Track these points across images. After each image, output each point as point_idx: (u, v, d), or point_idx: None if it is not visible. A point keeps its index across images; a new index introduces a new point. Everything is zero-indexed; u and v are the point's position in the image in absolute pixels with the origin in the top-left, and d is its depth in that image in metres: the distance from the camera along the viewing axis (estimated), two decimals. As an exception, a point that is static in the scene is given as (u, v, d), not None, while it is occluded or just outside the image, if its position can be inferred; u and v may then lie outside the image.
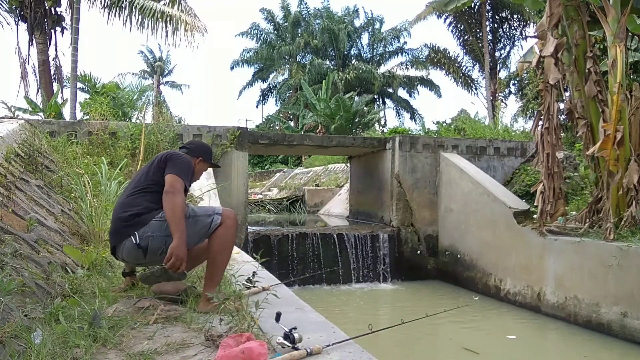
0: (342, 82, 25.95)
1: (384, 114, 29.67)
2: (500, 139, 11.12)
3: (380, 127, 24.33)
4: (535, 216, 7.31)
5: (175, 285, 2.62)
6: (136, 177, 2.81)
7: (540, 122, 6.38)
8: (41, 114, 10.41)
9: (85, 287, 2.85)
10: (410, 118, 29.52)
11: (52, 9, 12.90)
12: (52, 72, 13.23)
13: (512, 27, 22.73)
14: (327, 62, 29.05)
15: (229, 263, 2.91)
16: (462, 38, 23.07)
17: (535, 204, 6.59)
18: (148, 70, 37.72)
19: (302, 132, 20.68)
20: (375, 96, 28.91)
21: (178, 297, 2.58)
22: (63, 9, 13.17)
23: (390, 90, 29.47)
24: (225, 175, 8.15)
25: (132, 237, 2.51)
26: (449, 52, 23.87)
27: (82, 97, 13.06)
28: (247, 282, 2.80)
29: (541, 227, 6.37)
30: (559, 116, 6.53)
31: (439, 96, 30.54)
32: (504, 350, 5.29)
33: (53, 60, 13.39)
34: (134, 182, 2.76)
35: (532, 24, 20.21)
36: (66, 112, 10.83)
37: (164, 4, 11.87)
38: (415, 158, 9.12)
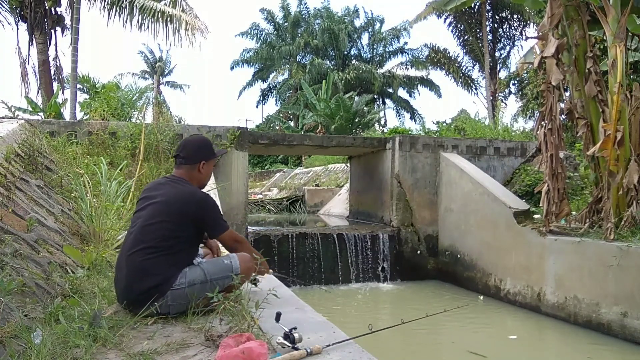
0: (342, 82, 25.95)
1: (384, 114, 29.76)
2: (500, 139, 11.12)
3: (380, 127, 24.35)
4: (535, 216, 7.31)
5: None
6: (150, 219, 2.48)
7: (543, 123, 6.38)
8: (41, 114, 10.41)
9: (85, 287, 2.85)
10: (410, 118, 29.59)
11: (52, 9, 12.91)
12: (52, 72, 13.25)
13: (512, 27, 22.76)
14: (327, 62, 29.06)
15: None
16: (462, 38, 23.09)
17: (539, 204, 6.60)
18: (148, 70, 37.76)
19: (302, 132, 20.68)
20: (375, 96, 28.94)
21: (207, 308, 2.47)
22: (63, 9, 13.20)
23: (390, 90, 29.50)
24: (225, 175, 8.15)
25: (153, 310, 2.37)
26: (449, 52, 23.91)
27: (82, 97, 13.06)
28: (252, 282, 2.79)
29: (546, 227, 6.37)
30: (560, 116, 6.54)
31: (439, 96, 30.59)
32: (508, 352, 5.27)
33: (53, 60, 13.41)
34: (148, 226, 2.46)
35: (532, 24, 20.23)
36: (66, 112, 10.82)
37: (165, 4, 11.87)
38: (415, 158, 9.12)
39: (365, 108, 22.58)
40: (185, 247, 2.53)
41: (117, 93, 10.58)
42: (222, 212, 2.63)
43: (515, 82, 20.36)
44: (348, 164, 12.91)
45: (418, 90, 29.90)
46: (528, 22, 21.17)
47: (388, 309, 7.42)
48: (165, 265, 2.42)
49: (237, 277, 2.49)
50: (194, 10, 12.23)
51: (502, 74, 23.42)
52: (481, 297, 7.34)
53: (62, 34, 13.32)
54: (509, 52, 23.32)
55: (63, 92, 12.85)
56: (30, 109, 10.55)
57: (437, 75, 62.34)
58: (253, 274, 2.74)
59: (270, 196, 19.28)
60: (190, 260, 2.55)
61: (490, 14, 22.24)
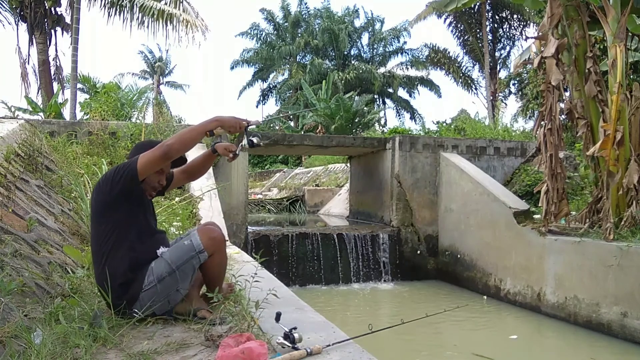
0: (342, 82, 25.96)
1: (384, 114, 29.73)
2: (500, 139, 11.12)
3: (380, 127, 24.35)
4: (535, 216, 7.31)
5: (188, 305, 2.41)
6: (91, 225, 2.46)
7: (543, 123, 6.38)
8: (41, 114, 10.41)
9: (85, 287, 2.85)
10: (410, 118, 29.59)
11: (52, 9, 12.92)
12: (52, 72, 13.25)
13: (512, 27, 22.77)
14: (327, 62, 29.06)
15: (229, 263, 2.91)
16: (462, 38, 23.10)
17: (539, 204, 6.60)
18: (148, 70, 37.76)
19: (302, 132, 20.68)
20: (375, 96, 28.94)
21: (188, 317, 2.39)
22: (63, 9, 13.21)
23: (390, 90, 29.50)
24: (225, 175, 8.15)
25: (134, 314, 2.26)
26: (449, 52, 23.92)
27: (82, 97, 13.07)
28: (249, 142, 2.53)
29: (545, 227, 6.37)
30: (560, 116, 6.54)
31: (439, 96, 30.59)
32: (510, 353, 5.26)
33: (53, 60, 13.42)
34: (92, 232, 2.43)
35: (532, 24, 20.23)
36: (66, 112, 10.83)
37: (165, 3, 11.87)
38: (415, 158, 9.12)
39: (365, 108, 22.57)
40: (130, 236, 2.31)
41: (117, 93, 10.58)
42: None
43: (515, 82, 20.37)
44: (348, 164, 12.91)
45: (418, 90, 29.93)
46: (528, 22, 21.17)
47: (388, 309, 7.42)
48: (120, 267, 2.27)
49: (205, 253, 2.33)
50: (195, 8, 12.24)
51: (502, 74, 23.46)
52: (485, 297, 7.33)
53: (62, 34, 13.33)
54: (509, 52, 23.35)
55: (63, 92, 12.86)
56: (30, 109, 10.55)
57: (437, 75, 62.26)
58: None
59: (270, 196, 19.28)
60: (148, 251, 2.35)
61: (490, 14, 22.25)
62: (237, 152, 2.51)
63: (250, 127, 2.47)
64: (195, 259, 2.32)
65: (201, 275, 2.49)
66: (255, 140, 2.48)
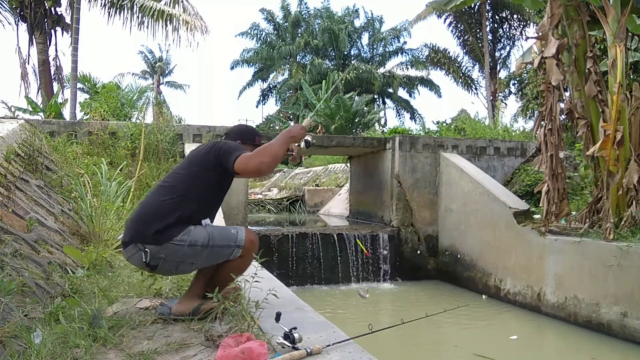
0: (342, 82, 25.96)
1: (384, 114, 29.72)
2: (500, 139, 11.12)
3: (380, 127, 24.36)
4: (535, 216, 7.31)
5: (189, 304, 2.45)
6: (179, 167, 2.57)
7: (543, 123, 6.38)
8: (41, 114, 10.41)
9: (85, 287, 2.85)
10: (410, 118, 29.59)
11: (52, 9, 12.92)
12: (52, 72, 13.26)
13: (512, 27, 22.78)
14: (327, 62, 29.06)
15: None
16: (462, 38, 23.11)
17: (539, 204, 6.60)
18: (148, 70, 37.77)
19: (302, 132, 20.64)
20: (375, 96, 28.93)
21: (189, 316, 2.41)
22: (63, 9, 13.21)
23: (390, 90, 29.49)
24: (225, 175, 8.13)
25: (142, 254, 2.29)
26: (449, 52, 23.93)
27: (82, 97, 13.07)
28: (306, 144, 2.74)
29: (546, 227, 6.37)
30: (560, 116, 6.54)
31: (439, 96, 30.58)
32: (510, 353, 5.24)
33: (53, 60, 13.43)
34: (175, 170, 2.54)
35: (532, 24, 20.24)
36: (66, 112, 10.83)
37: (165, 4, 11.87)
38: (415, 158, 9.12)
39: (365, 108, 22.57)
40: (204, 196, 2.44)
41: (117, 93, 10.59)
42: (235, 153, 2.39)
43: (515, 82, 20.36)
44: (348, 164, 12.91)
45: (418, 90, 29.93)
46: (528, 22, 21.18)
47: (388, 309, 7.42)
48: (179, 212, 2.34)
49: (240, 250, 2.40)
50: (195, 8, 12.25)
51: (502, 74, 23.46)
52: (484, 296, 7.33)
53: (62, 34, 13.34)
54: (509, 52, 23.36)
55: (63, 92, 12.87)
56: (30, 109, 10.55)
57: (437, 75, 62.32)
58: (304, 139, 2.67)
59: (270, 196, 19.28)
60: (203, 216, 2.44)
61: (490, 14, 22.25)
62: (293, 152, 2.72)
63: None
64: (230, 249, 2.40)
65: (205, 274, 2.50)
66: (310, 139, 2.69)
